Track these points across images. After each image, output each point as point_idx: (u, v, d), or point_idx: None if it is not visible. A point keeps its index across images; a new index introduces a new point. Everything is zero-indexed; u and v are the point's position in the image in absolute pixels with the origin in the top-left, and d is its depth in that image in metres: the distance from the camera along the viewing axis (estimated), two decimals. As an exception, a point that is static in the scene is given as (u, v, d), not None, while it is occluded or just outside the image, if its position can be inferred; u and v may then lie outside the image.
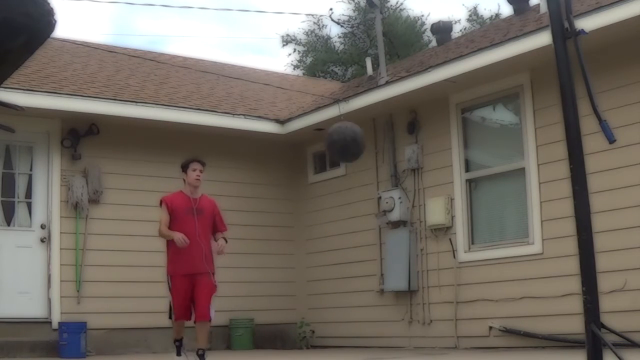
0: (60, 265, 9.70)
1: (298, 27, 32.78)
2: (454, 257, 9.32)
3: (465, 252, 9.27)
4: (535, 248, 8.47)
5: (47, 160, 9.88)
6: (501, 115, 9.52)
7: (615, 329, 3.48)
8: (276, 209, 11.61)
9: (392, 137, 10.40)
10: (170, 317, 7.19)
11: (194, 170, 7.48)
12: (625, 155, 7.51)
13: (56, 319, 9.48)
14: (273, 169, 11.70)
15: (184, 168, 7.54)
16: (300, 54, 27.06)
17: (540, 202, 8.46)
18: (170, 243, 7.14)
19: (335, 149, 6.84)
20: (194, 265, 7.06)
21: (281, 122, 11.31)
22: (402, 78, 9.79)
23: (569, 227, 4.15)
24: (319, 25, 26.48)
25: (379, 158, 10.57)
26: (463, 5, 36.12)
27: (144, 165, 10.52)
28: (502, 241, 8.97)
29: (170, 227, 7.16)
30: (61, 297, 9.63)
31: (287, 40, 26.92)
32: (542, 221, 8.42)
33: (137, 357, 9.27)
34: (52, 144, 9.91)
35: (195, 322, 7.12)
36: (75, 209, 9.86)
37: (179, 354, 7.32)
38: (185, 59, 13.86)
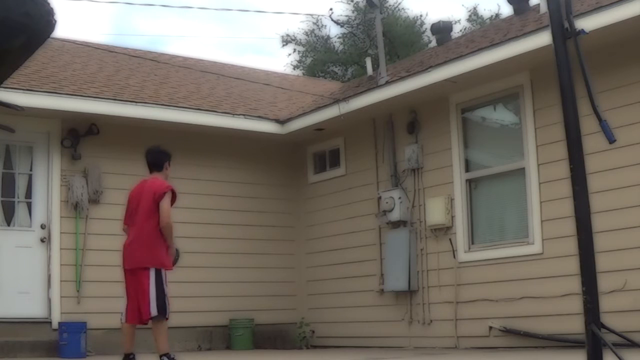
0: (60, 265, 9.70)
1: (298, 27, 32.79)
2: (454, 257, 9.32)
3: (465, 252, 9.27)
4: (535, 248, 8.47)
5: (47, 160, 9.88)
6: (501, 115, 9.52)
7: (615, 329, 3.48)
8: (276, 209, 11.61)
9: (392, 137, 10.40)
10: (166, 316, 6.44)
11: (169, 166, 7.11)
12: (625, 155, 7.51)
13: (56, 319, 9.48)
14: (273, 169, 11.70)
15: (169, 160, 7.10)
16: (300, 54, 27.07)
17: (540, 202, 8.46)
18: (162, 234, 6.55)
19: None
20: None
21: (281, 122, 11.30)
22: (402, 78, 9.79)
23: (569, 227, 4.15)
24: (318, 26, 26.50)
25: (379, 158, 10.57)
26: (463, 5, 36.19)
27: (144, 165, 10.48)
28: (502, 241, 8.96)
29: (155, 219, 6.58)
30: (61, 297, 9.63)
31: (286, 40, 26.93)
32: (542, 221, 8.42)
33: (137, 357, 9.26)
34: (52, 144, 9.90)
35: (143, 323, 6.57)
36: (75, 209, 9.86)
37: None
38: (185, 59, 13.86)
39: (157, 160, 6.95)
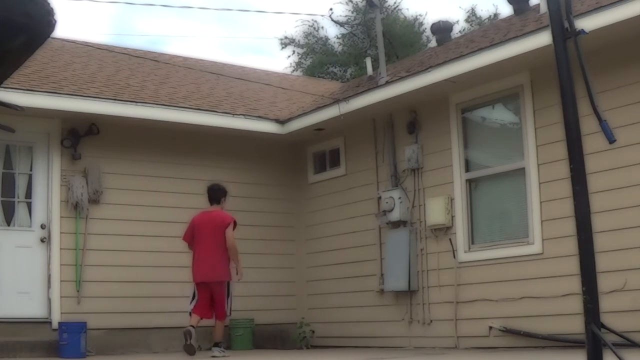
0: (60, 265, 9.70)
1: (295, 28, 32.76)
2: (454, 257, 9.31)
3: (465, 252, 9.27)
4: (535, 248, 8.47)
5: (47, 160, 9.88)
6: (501, 115, 9.52)
7: (615, 329, 3.48)
8: (276, 209, 11.61)
9: (392, 137, 10.40)
10: (229, 315, 9.08)
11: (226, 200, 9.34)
12: (625, 155, 7.51)
13: (56, 319, 9.47)
14: (273, 169, 11.70)
15: (225, 194, 9.29)
16: (299, 56, 27.05)
17: (540, 202, 8.46)
18: (228, 254, 8.96)
19: None
20: None
21: (281, 122, 11.30)
22: (402, 78, 9.79)
23: (569, 227, 4.15)
24: (315, 27, 26.49)
25: (379, 158, 10.57)
26: (460, 7, 36.20)
27: (144, 165, 10.52)
28: (502, 241, 8.96)
29: (223, 243, 8.98)
30: (61, 297, 9.63)
31: (285, 42, 26.92)
32: (542, 221, 8.42)
33: (137, 357, 9.28)
34: (52, 144, 9.90)
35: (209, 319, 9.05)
36: (75, 209, 9.86)
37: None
38: (185, 59, 13.86)
39: (216, 196, 9.21)
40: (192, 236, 9.08)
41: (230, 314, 9.10)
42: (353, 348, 10.31)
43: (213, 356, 8.81)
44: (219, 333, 8.99)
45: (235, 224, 8.99)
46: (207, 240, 8.94)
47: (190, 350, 8.56)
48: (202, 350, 10.46)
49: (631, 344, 3.80)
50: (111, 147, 10.27)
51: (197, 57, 14.43)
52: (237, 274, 9.06)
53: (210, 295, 8.93)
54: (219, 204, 9.16)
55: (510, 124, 9.42)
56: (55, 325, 9.40)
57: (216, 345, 8.96)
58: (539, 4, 9.66)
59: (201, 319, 8.91)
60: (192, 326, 8.65)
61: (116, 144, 10.33)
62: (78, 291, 9.76)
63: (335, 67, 26.28)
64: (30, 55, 2.40)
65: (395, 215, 9.94)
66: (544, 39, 7.42)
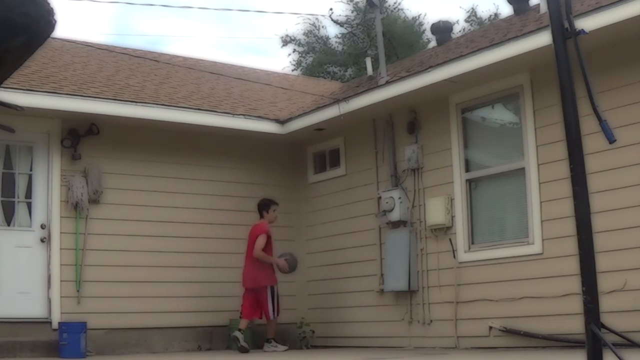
0: (60, 265, 9.70)
1: (295, 28, 32.77)
2: (454, 257, 9.31)
3: (465, 252, 9.27)
4: (535, 248, 8.46)
5: (47, 160, 9.88)
6: (501, 115, 9.52)
7: (615, 329, 3.48)
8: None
9: (392, 137, 10.39)
10: (276, 315, 9.90)
11: (275, 210, 10.28)
12: (625, 155, 7.50)
13: (56, 319, 9.47)
14: (273, 169, 11.69)
15: (266, 207, 10.22)
16: (300, 55, 27.05)
17: (540, 202, 8.45)
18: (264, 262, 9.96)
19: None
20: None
21: (281, 122, 11.30)
22: (402, 78, 9.79)
23: (569, 227, 4.15)
24: (315, 26, 26.48)
25: (379, 158, 10.57)
26: (460, 7, 36.20)
27: (144, 165, 10.52)
28: (502, 241, 8.96)
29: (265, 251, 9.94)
30: (61, 297, 9.63)
31: (286, 40, 26.91)
32: (542, 221, 8.42)
33: (137, 357, 9.27)
34: (52, 144, 9.90)
35: (258, 318, 10.07)
36: (75, 209, 9.86)
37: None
38: (185, 59, 13.86)
39: (259, 209, 10.30)
40: None
41: (279, 313, 9.99)
42: (353, 348, 10.31)
43: (264, 350, 9.90)
44: (269, 330, 10.02)
45: (268, 236, 9.96)
46: (248, 250, 10.10)
47: (242, 350, 9.53)
48: (202, 350, 10.47)
49: (631, 344, 3.80)
50: (111, 147, 10.27)
51: (197, 57, 14.43)
52: (279, 270, 10.14)
53: (256, 299, 9.97)
54: (262, 217, 10.23)
55: (510, 124, 9.42)
56: (55, 325, 9.40)
57: (267, 341, 9.99)
58: (539, 4, 9.66)
59: (250, 320, 9.94)
60: (240, 330, 9.68)
61: (116, 144, 10.33)
62: (78, 291, 9.76)
63: (335, 67, 26.29)
64: (30, 55, 2.40)
65: (395, 215, 9.94)
66: (544, 39, 7.42)
